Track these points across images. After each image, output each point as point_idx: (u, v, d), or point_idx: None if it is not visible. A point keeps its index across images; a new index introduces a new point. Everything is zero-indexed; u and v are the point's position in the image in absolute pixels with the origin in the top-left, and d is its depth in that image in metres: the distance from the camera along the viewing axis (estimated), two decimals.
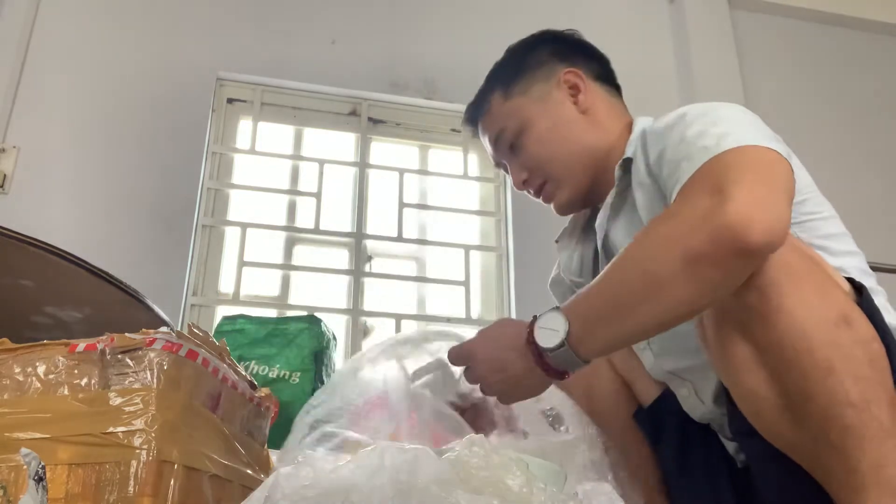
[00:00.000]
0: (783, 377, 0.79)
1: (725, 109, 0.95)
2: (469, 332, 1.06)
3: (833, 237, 0.98)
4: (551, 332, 0.86)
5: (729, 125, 0.89)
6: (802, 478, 0.81)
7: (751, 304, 0.81)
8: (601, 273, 0.87)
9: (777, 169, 0.84)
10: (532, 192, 1.22)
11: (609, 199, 1.09)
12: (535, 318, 0.90)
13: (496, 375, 0.94)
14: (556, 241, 1.31)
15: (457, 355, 1.00)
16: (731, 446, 1.08)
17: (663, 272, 0.80)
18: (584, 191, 1.16)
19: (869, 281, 0.95)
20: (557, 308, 0.88)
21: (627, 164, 1.06)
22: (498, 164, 1.27)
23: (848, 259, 0.96)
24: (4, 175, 2.04)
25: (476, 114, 1.25)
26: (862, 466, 0.74)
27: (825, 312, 0.79)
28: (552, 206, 1.22)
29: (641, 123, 1.11)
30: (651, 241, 0.84)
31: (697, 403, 1.08)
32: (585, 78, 1.19)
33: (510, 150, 1.20)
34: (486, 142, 1.25)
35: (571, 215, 1.27)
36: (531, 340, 0.88)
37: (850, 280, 0.87)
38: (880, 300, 0.93)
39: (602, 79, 1.22)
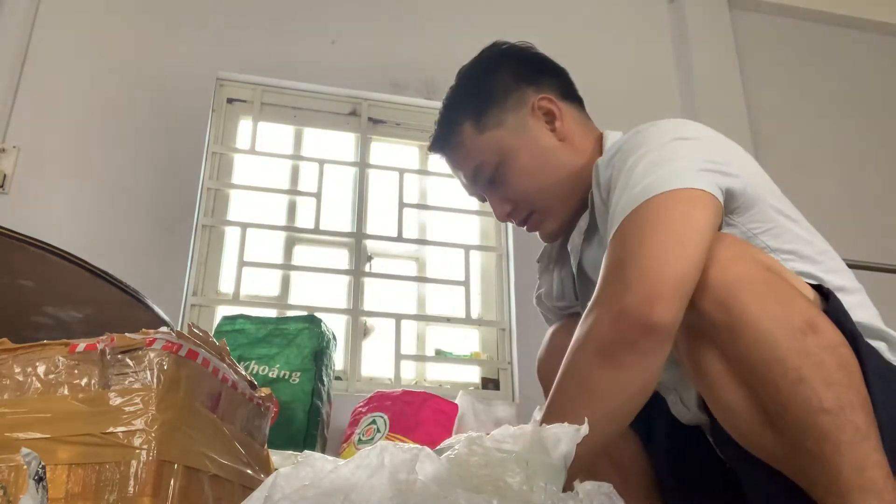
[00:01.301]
0: (756, 389, 0.80)
1: (664, 135, 0.96)
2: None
3: (800, 240, 0.98)
4: None
5: (656, 162, 0.90)
6: (787, 484, 0.81)
7: (716, 321, 0.82)
8: (550, 394, 0.88)
9: (683, 220, 0.85)
10: (517, 223, 1.20)
11: (582, 222, 1.10)
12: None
13: None
14: (538, 262, 1.31)
15: None
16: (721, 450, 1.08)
17: (586, 368, 0.83)
18: (570, 217, 1.15)
19: (843, 278, 0.95)
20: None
21: None
22: (472, 195, 1.24)
23: (819, 262, 0.96)
24: (4, 175, 2.04)
25: (445, 146, 1.21)
26: (843, 471, 0.75)
27: (790, 321, 0.80)
28: (538, 234, 1.21)
29: (610, 141, 1.12)
30: (574, 343, 0.87)
31: (684, 410, 1.08)
32: (557, 101, 1.16)
33: (489, 183, 1.17)
34: (459, 175, 1.22)
35: None
36: None
37: (818, 287, 0.88)
38: (857, 297, 0.94)
39: (568, 96, 1.20)
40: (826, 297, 0.87)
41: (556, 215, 1.16)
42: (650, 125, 0.99)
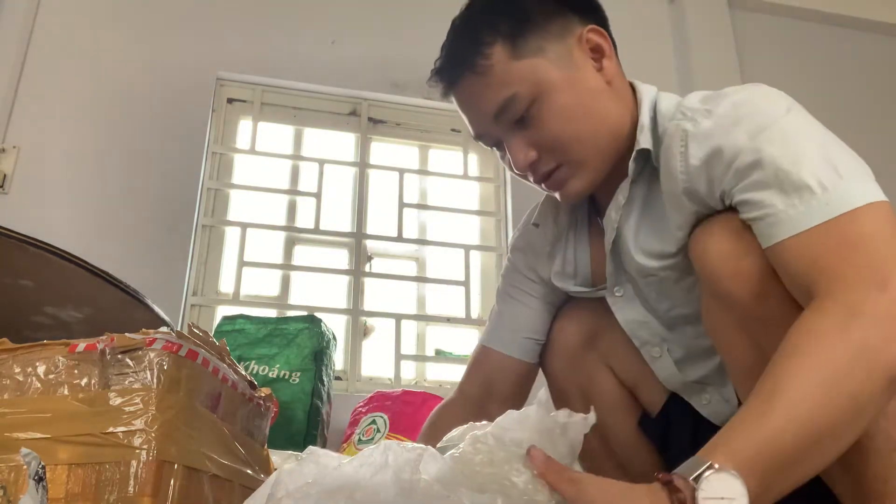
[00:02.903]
0: None
1: (797, 115, 0.83)
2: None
3: None
4: (723, 501, 0.60)
5: (827, 154, 0.77)
6: (814, 481, 0.80)
7: (758, 304, 0.78)
8: (763, 396, 0.66)
9: None
10: (537, 177, 0.98)
11: (622, 196, 0.96)
12: (673, 479, 0.61)
13: None
14: (534, 225, 1.14)
15: None
16: None
17: (866, 393, 0.65)
18: (601, 178, 0.97)
19: None
20: (715, 464, 0.61)
21: (644, 154, 0.94)
22: (481, 137, 1.01)
23: None
24: (4, 175, 2.04)
25: (464, 69, 0.96)
26: (866, 478, 0.73)
27: None
28: (558, 193, 1.00)
29: (648, 98, 0.97)
30: (838, 353, 0.66)
31: (721, 407, 1.03)
32: (607, 37, 0.98)
33: (517, 122, 0.95)
34: (474, 108, 0.98)
35: (546, 199, 1.10)
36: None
37: None
38: None
39: (610, 35, 1.01)
40: None
41: (589, 172, 0.96)
42: (746, 93, 0.86)
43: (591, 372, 1.06)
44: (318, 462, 0.64)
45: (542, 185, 1.00)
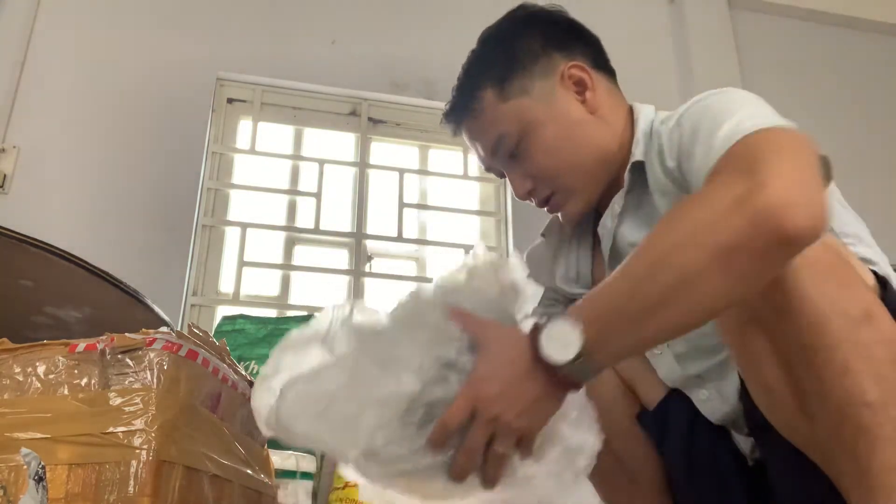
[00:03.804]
0: (799, 372, 0.77)
1: (739, 94, 0.91)
2: None
3: (858, 223, 0.95)
4: (563, 345, 0.73)
5: (749, 109, 0.85)
6: (817, 475, 0.79)
7: (771, 296, 0.77)
8: (618, 268, 0.76)
9: (808, 151, 0.77)
10: (537, 202, 1.10)
11: (617, 205, 1.03)
12: (536, 326, 0.76)
13: (510, 416, 0.74)
14: (542, 235, 1.22)
15: (459, 408, 0.75)
16: (744, 445, 1.06)
17: (693, 264, 0.71)
18: (595, 199, 1.07)
19: (888, 268, 0.91)
20: (565, 314, 0.75)
21: (638, 166, 1.00)
22: (490, 170, 1.14)
23: (874, 248, 0.94)
24: (4, 175, 2.03)
25: (463, 114, 1.10)
26: (873, 467, 0.72)
27: (847, 309, 0.75)
28: (560, 215, 1.12)
29: (645, 116, 1.05)
30: (678, 229, 0.74)
31: (719, 404, 1.05)
32: (589, 70, 1.07)
33: (510, 157, 1.07)
34: (477, 147, 1.12)
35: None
36: (538, 357, 0.74)
37: (876, 274, 0.83)
38: None
39: (600, 66, 1.11)
40: (884, 286, 0.82)
41: (581, 195, 1.06)
42: (715, 91, 0.93)
43: None
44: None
45: (547, 209, 1.10)
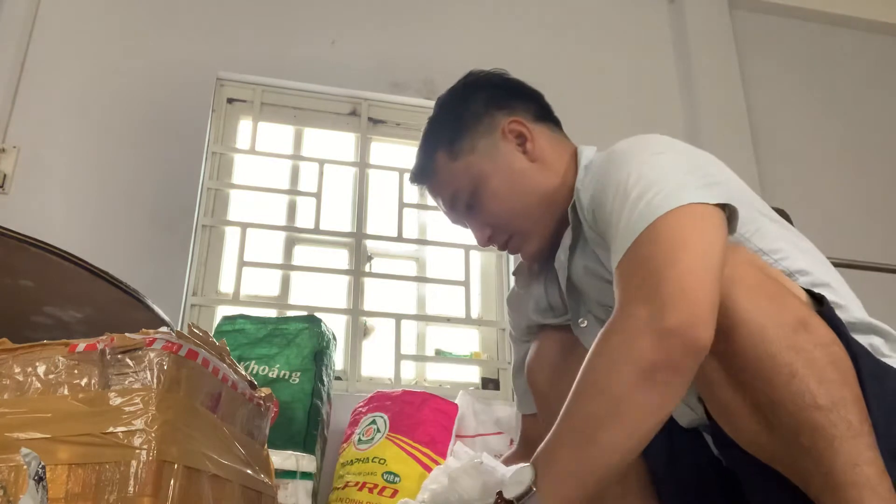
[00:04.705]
0: (750, 386, 0.81)
1: (645, 154, 0.95)
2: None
3: (784, 238, 0.99)
4: (517, 484, 0.81)
5: (651, 178, 0.89)
6: (787, 487, 0.82)
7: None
8: (561, 412, 0.83)
9: (700, 237, 0.83)
10: (498, 247, 1.20)
11: (566, 240, 1.10)
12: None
13: None
14: (513, 275, 1.31)
15: None
16: (716, 447, 1.08)
17: (620, 391, 0.78)
18: (550, 237, 1.15)
19: (828, 275, 0.97)
20: (527, 463, 0.83)
21: (575, 206, 1.08)
22: (455, 222, 1.24)
23: (806, 257, 0.98)
24: (4, 175, 2.03)
25: (422, 176, 1.23)
26: (836, 466, 0.75)
27: (781, 318, 0.81)
28: (521, 256, 1.21)
29: (585, 157, 1.13)
30: (601, 362, 0.82)
31: (686, 411, 1.08)
32: (528, 124, 1.17)
33: (467, 209, 1.18)
34: (439, 202, 1.23)
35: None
36: (500, 497, 0.83)
37: (809, 291, 0.89)
38: (843, 292, 0.95)
39: (542, 118, 1.21)
40: (819, 300, 0.88)
41: (535, 236, 1.16)
42: (622, 143, 1.00)
43: (573, 381, 1.12)
44: None
45: (508, 252, 1.22)
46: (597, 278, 1.07)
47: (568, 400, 0.83)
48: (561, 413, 0.83)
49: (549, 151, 1.16)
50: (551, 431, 0.83)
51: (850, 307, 0.93)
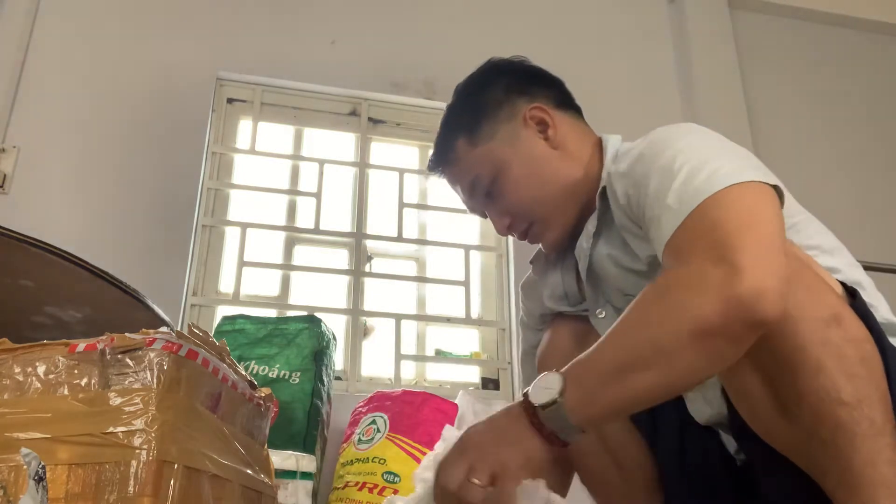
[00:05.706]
0: (776, 376, 0.80)
1: (692, 136, 0.93)
2: None
3: (821, 235, 0.99)
4: (545, 390, 0.80)
5: (703, 156, 0.87)
6: (802, 477, 0.81)
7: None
8: (603, 336, 0.82)
9: (769, 214, 0.81)
10: (517, 235, 1.19)
11: (591, 227, 1.08)
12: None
13: (490, 449, 0.81)
14: (531, 263, 1.29)
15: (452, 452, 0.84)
16: (731, 445, 1.08)
17: (671, 342, 0.76)
18: (571, 226, 1.14)
19: (858, 274, 0.97)
20: (556, 371, 0.82)
21: (605, 192, 1.05)
22: (473, 210, 1.23)
23: (839, 256, 0.98)
24: (4, 175, 2.03)
25: (441, 164, 1.21)
26: (854, 464, 0.75)
27: (816, 312, 0.79)
28: (540, 245, 1.20)
29: (611, 146, 1.11)
30: (658, 308, 0.79)
31: (704, 407, 1.07)
32: (549, 110, 1.15)
33: (486, 197, 1.16)
34: (458, 191, 1.22)
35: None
36: (526, 403, 0.81)
37: (843, 284, 0.87)
38: (872, 292, 0.94)
39: (564, 105, 1.19)
40: (852, 295, 0.86)
41: (556, 225, 1.14)
42: (659, 130, 0.97)
43: None
44: None
45: (528, 241, 1.19)
46: (620, 267, 1.05)
47: (613, 331, 0.81)
48: (603, 338, 0.81)
49: (572, 139, 1.15)
50: (587, 352, 0.81)
51: (880, 308, 0.92)
